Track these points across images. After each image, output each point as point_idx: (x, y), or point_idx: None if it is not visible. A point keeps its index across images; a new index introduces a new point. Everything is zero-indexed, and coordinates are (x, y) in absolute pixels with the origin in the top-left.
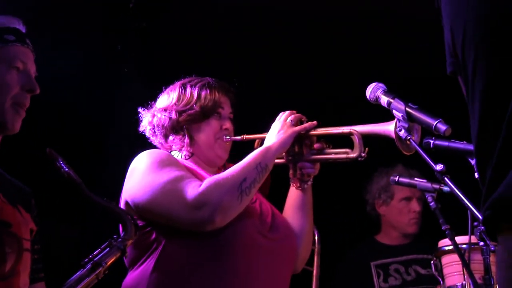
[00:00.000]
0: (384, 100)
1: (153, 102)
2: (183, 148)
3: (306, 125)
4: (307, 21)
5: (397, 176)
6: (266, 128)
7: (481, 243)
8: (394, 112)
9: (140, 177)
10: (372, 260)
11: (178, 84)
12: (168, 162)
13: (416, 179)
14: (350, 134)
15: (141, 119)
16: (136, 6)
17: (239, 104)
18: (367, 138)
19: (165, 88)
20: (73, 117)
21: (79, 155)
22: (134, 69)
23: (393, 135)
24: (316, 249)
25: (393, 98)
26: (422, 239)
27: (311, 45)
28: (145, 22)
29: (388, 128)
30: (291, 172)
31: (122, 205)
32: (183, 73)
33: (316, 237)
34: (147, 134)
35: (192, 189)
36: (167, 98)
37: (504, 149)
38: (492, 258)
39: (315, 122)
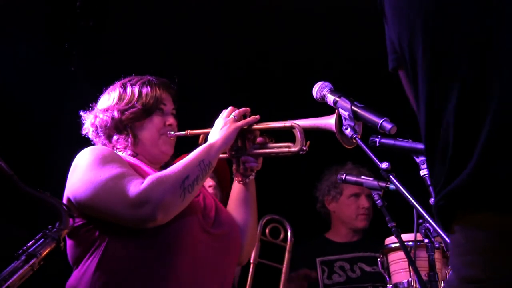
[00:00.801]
0: (330, 98)
1: (94, 104)
2: (127, 148)
3: (248, 119)
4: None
5: (344, 174)
6: (210, 124)
7: (426, 241)
8: (340, 110)
9: (82, 174)
10: (318, 256)
11: (118, 83)
12: (111, 159)
13: (362, 177)
14: (291, 128)
15: (83, 121)
16: (83, 4)
17: (182, 100)
18: (315, 133)
19: (106, 89)
20: (20, 114)
21: (24, 154)
22: (81, 68)
23: (333, 128)
24: (287, 247)
25: (339, 97)
26: (370, 237)
27: (255, 37)
28: (92, 20)
29: (329, 121)
30: (234, 166)
31: (64, 202)
32: (132, 71)
33: (289, 234)
34: (90, 136)
35: (134, 187)
36: (108, 98)
37: (457, 143)
38: (436, 255)
39: (257, 116)
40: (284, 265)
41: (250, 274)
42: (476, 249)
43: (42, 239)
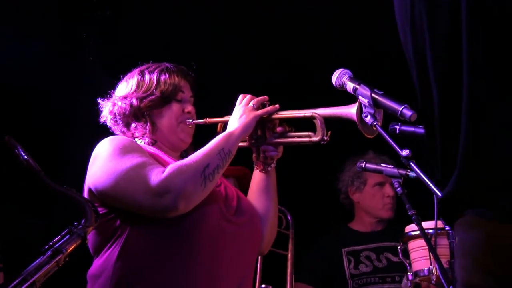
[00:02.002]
0: (350, 86)
1: (112, 91)
2: (146, 135)
3: (268, 108)
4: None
5: (364, 162)
6: (228, 111)
7: (447, 228)
8: (360, 98)
9: (102, 164)
10: (343, 246)
11: (136, 71)
12: (131, 148)
13: (382, 165)
14: (312, 117)
15: (101, 109)
16: None
17: (201, 88)
18: (334, 122)
19: (123, 76)
20: (37, 106)
21: (43, 145)
22: (99, 57)
23: (355, 117)
24: (290, 234)
25: (358, 84)
26: (394, 226)
27: (275, 26)
28: (109, 9)
29: (350, 111)
30: (254, 155)
31: (85, 192)
32: (149, 60)
33: (290, 222)
34: (109, 124)
35: (155, 176)
36: (126, 86)
37: (443, 151)
38: None
39: (277, 105)
40: (289, 252)
41: (259, 263)
42: (466, 252)
43: (68, 235)
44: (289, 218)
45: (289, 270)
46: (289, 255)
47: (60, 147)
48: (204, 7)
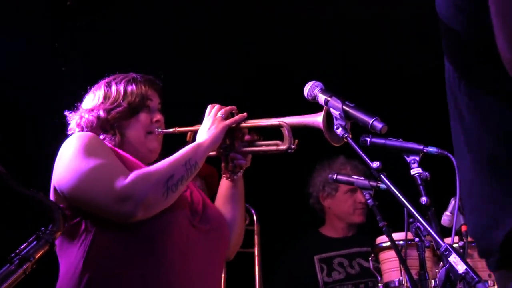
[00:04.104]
0: (321, 98)
1: (79, 103)
2: (115, 147)
3: (236, 117)
4: (236, 12)
5: (335, 174)
6: (198, 120)
7: (417, 239)
8: (331, 110)
9: (67, 162)
10: (315, 254)
11: (102, 82)
12: (97, 147)
13: (354, 176)
14: (279, 126)
15: (68, 122)
16: (74, 4)
17: (169, 97)
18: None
19: (90, 88)
20: (14, 112)
21: (13, 151)
22: (72, 67)
23: (321, 126)
24: (255, 229)
25: (330, 97)
26: (365, 231)
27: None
28: (84, 19)
29: (316, 119)
30: (223, 164)
31: (51, 191)
32: (122, 70)
33: (255, 217)
34: None
35: (118, 180)
36: (93, 98)
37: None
38: (427, 254)
39: (245, 114)
40: (256, 248)
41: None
42: None
43: (35, 242)
44: (253, 213)
45: (257, 268)
46: (256, 251)
47: (31, 155)
48: (180, 16)
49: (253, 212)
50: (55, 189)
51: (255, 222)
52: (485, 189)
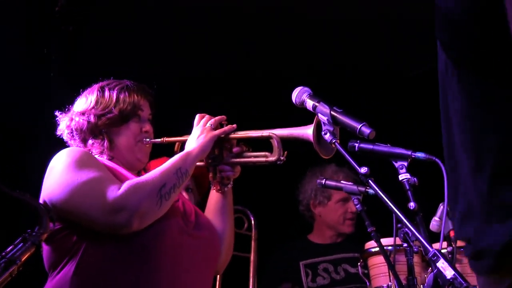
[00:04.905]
0: (309, 104)
1: (70, 105)
2: (103, 152)
3: (225, 128)
4: (227, 20)
5: (324, 179)
6: (186, 131)
7: (405, 245)
8: (319, 115)
9: (58, 176)
10: (301, 259)
11: (96, 87)
12: (88, 161)
13: (342, 182)
14: (269, 137)
15: (58, 122)
16: (62, 9)
17: (160, 107)
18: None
19: (83, 91)
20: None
21: (2, 157)
22: (61, 72)
23: (311, 138)
24: (253, 235)
25: (318, 102)
26: (352, 238)
27: (234, 44)
28: (72, 25)
29: (306, 131)
30: (211, 175)
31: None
32: (111, 77)
33: (253, 223)
34: (65, 138)
35: (111, 192)
36: (85, 102)
37: None
38: (415, 259)
39: (234, 125)
40: (252, 254)
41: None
42: None
43: (22, 244)
44: (252, 218)
45: (251, 273)
46: (252, 257)
47: (21, 161)
48: (168, 24)
49: (252, 218)
50: (45, 202)
51: (253, 227)
52: (481, 190)
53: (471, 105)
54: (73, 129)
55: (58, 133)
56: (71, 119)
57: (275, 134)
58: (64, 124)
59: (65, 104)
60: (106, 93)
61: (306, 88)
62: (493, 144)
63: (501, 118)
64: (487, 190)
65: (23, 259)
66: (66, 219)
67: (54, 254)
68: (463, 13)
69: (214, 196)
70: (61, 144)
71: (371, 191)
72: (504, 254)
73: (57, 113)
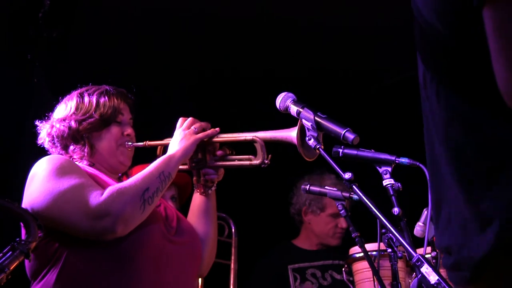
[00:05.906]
0: (293, 109)
1: (51, 113)
2: (84, 158)
3: (208, 132)
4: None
5: (308, 185)
6: (168, 134)
7: (389, 250)
8: (303, 121)
9: (40, 184)
10: (289, 263)
11: (75, 93)
12: (69, 168)
13: (326, 187)
14: (253, 141)
15: (39, 131)
16: (46, 16)
17: (141, 111)
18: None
19: (62, 98)
20: None
21: None
22: (44, 79)
23: (295, 141)
24: (233, 242)
25: (302, 108)
26: (337, 247)
27: (217, 47)
28: (55, 31)
29: (290, 134)
30: (194, 178)
31: None
32: (94, 82)
33: (233, 230)
34: (46, 146)
35: (94, 198)
36: (65, 108)
37: None
38: (399, 264)
39: (217, 129)
40: (232, 261)
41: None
42: None
43: (10, 252)
44: (232, 225)
45: (232, 280)
46: (232, 264)
47: (4, 169)
48: (151, 29)
49: (232, 225)
50: None
51: (233, 235)
52: (461, 201)
53: (449, 117)
54: (54, 136)
55: (39, 141)
56: (52, 126)
57: (258, 137)
58: (45, 132)
59: (48, 111)
60: (86, 99)
61: (290, 94)
62: (471, 156)
63: (479, 130)
64: (466, 200)
65: (11, 268)
66: (48, 227)
67: (36, 262)
68: (443, 28)
69: (197, 199)
70: (44, 152)
71: (355, 196)
72: (482, 267)
73: (37, 122)
